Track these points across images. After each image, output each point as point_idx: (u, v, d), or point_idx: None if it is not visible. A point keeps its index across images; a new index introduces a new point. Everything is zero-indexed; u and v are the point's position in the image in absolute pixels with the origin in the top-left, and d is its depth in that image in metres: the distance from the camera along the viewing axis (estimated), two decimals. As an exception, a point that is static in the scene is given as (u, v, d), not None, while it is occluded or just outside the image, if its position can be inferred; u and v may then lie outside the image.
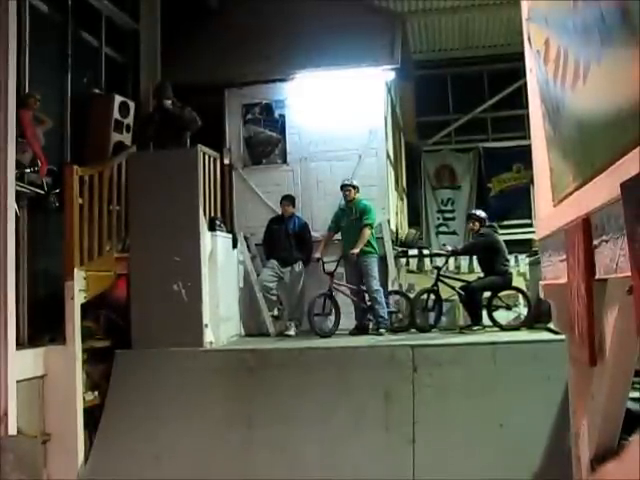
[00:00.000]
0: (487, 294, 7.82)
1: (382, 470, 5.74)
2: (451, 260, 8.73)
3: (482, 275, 7.98)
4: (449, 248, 8.37)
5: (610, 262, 2.21)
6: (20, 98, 6.17)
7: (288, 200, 8.54)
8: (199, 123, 7.76)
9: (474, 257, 8.62)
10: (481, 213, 8.22)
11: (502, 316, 7.84)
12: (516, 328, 7.60)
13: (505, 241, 8.06)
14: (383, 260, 8.54)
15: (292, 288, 8.32)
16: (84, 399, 6.58)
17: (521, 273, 8.86)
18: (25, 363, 5.98)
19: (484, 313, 7.76)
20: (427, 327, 7.89)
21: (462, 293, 7.85)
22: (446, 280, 8.05)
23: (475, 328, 7.58)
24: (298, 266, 8.30)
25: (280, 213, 8.62)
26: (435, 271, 8.20)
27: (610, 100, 1.93)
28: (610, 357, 2.62)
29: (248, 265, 8.49)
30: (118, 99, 8.03)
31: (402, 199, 11.93)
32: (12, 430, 5.45)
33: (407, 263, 9.35)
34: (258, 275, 8.44)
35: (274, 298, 8.36)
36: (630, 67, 1.68)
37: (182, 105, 7.80)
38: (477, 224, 8.03)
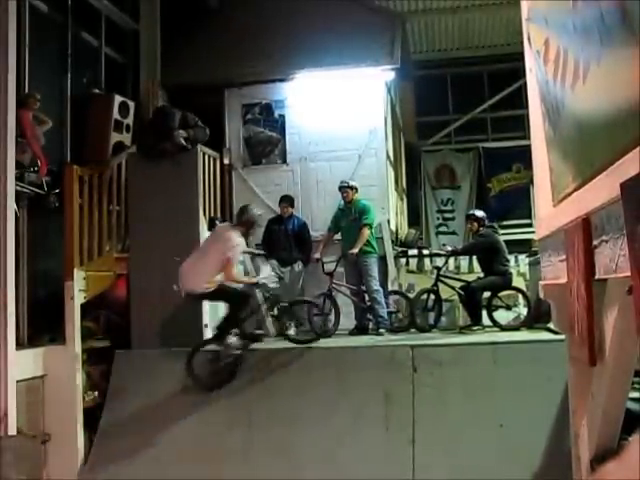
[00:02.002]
0: (487, 294, 7.81)
1: (382, 470, 5.74)
2: (451, 260, 8.73)
3: (482, 275, 7.97)
4: (449, 248, 8.37)
5: (610, 262, 2.21)
6: (20, 98, 6.17)
7: (287, 200, 8.53)
8: (207, 137, 7.72)
9: (474, 257, 8.62)
10: (479, 213, 8.21)
11: (502, 316, 7.84)
12: (516, 328, 7.60)
13: (505, 241, 8.05)
14: (383, 260, 8.54)
15: (292, 288, 8.32)
16: (84, 399, 6.59)
17: (521, 273, 8.86)
18: (25, 363, 5.98)
19: (484, 313, 7.76)
20: (427, 327, 7.89)
21: (462, 293, 7.85)
22: (446, 280, 8.05)
23: (475, 328, 7.58)
24: (297, 266, 8.29)
25: (279, 213, 8.62)
26: (435, 271, 8.19)
27: (610, 100, 1.93)
28: (610, 357, 2.62)
29: (248, 265, 8.48)
30: (118, 99, 8.02)
31: (402, 199, 11.93)
32: (12, 430, 5.45)
33: (407, 263, 9.35)
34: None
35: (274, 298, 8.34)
36: (630, 67, 1.68)
37: (183, 113, 7.70)
38: (475, 224, 8.02)
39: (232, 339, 6.68)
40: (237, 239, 6.49)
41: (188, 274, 6.41)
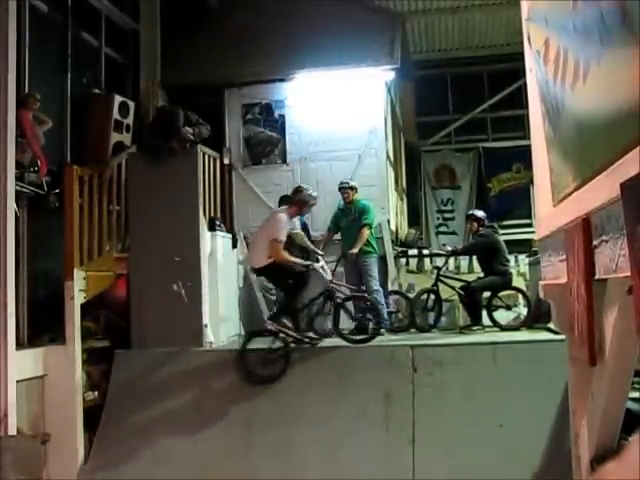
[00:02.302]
0: (487, 294, 7.81)
1: (382, 470, 5.74)
2: (451, 260, 8.73)
3: (482, 275, 7.98)
4: (449, 248, 8.37)
5: (610, 262, 2.21)
6: (20, 98, 6.17)
7: (287, 201, 8.52)
8: (209, 133, 7.73)
9: (474, 257, 8.62)
10: (479, 213, 8.21)
11: (502, 316, 7.84)
12: (516, 328, 7.60)
13: (505, 241, 8.06)
14: (383, 260, 8.53)
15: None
16: (84, 399, 6.58)
17: (521, 273, 8.86)
18: (25, 363, 5.98)
19: (484, 313, 7.76)
20: (427, 327, 7.89)
21: (462, 293, 7.85)
22: (446, 280, 8.05)
23: (475, 328, 7.59)
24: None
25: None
26: (435, 271, 8.19)
27: (610, 100, 1.93)
28: (610, 357, 2.62)
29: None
30: (118, 99, 8.02)
31: (402, 199, 11.93)
32: (12, 430, 5.45)
33: (407, 263, 9.35)
34: (258, 275, 8.42)
35: (273, 298, 8.34)
36: (630, 67, 1.69)
37: (184, 112, 7.70)
38: (475, 224, 8.02)
39: (288, 326, 6.78)
40: (284, 220, 6.76)
41: (249, 251, 7.23)
